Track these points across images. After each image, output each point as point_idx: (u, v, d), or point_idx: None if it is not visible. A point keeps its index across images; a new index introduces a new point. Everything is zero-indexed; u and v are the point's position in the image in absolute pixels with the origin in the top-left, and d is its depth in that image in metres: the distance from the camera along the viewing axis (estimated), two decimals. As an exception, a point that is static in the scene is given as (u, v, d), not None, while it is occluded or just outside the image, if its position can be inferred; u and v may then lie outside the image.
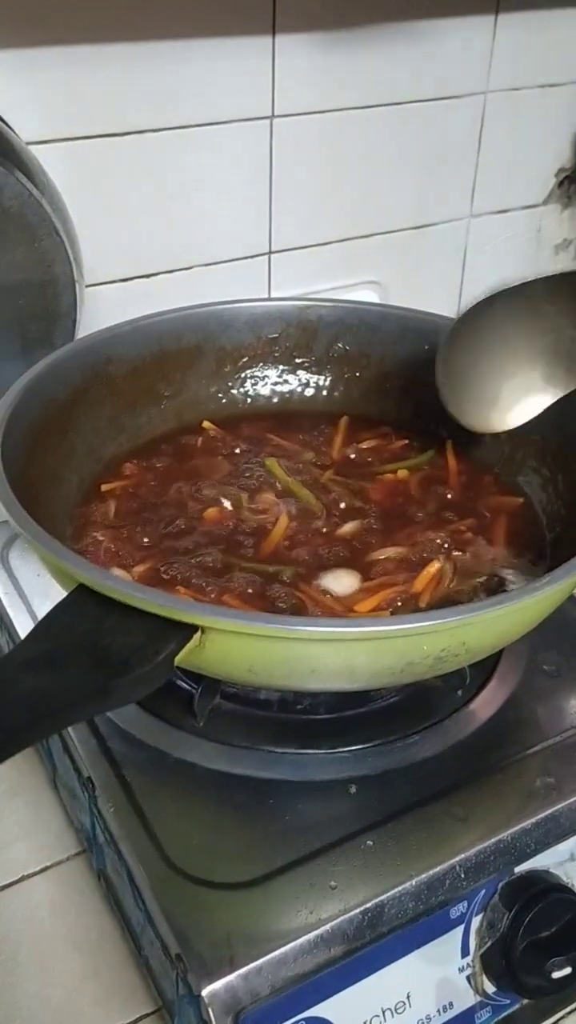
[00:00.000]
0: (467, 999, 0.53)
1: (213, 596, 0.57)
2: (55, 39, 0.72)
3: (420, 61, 0.89)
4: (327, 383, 0.77)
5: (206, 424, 0.73)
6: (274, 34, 0.80)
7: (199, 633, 0.46)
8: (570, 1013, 0.56)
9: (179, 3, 0.75)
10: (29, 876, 0.62)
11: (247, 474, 0.69)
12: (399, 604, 0.57)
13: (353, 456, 0.72)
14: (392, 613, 0.57)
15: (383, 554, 0.62)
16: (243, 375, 0.76)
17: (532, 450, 0.68)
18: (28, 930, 0.59)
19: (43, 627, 0.46)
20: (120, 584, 0.46)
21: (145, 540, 0.62)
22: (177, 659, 0.46)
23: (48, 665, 0.43)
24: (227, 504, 0.66)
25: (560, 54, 0.96)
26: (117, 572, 0.59)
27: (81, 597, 0.47)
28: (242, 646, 0.47)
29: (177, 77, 0.78)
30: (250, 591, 0.58)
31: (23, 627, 0.69)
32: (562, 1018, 0.56)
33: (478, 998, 0.53)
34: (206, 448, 0.72)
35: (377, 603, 0.57)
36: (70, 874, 0.62)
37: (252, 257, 0.90)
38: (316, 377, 0.77)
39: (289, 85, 0.83)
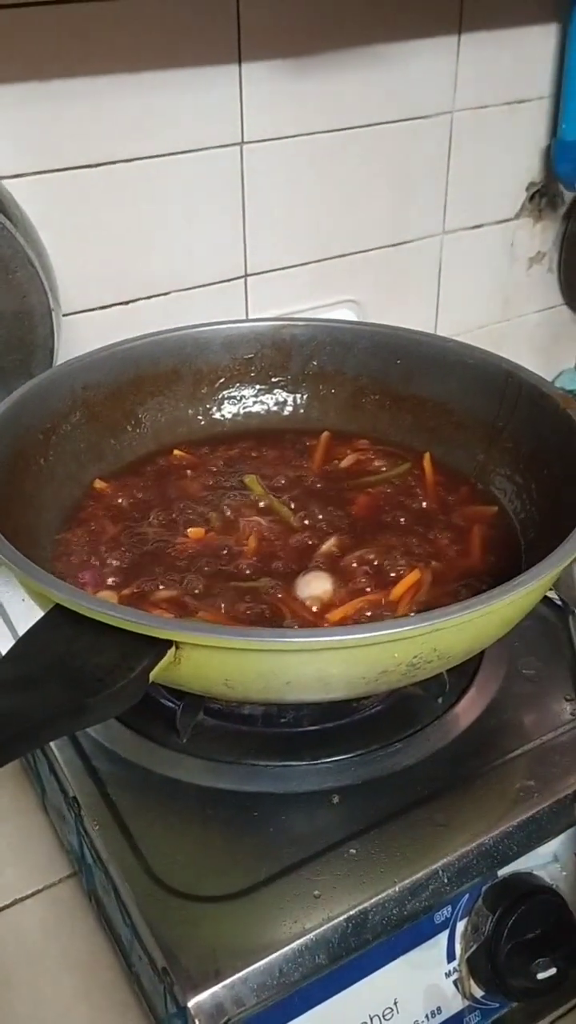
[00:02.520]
0: (455, 1004, 0.53)
1: (193, 611, 0.58)
2: (24, 75, 0.73)
3: (386, 83, 0.91)
4: (304, 401, 0.78)
5: (176, 452, 0.74)
6: (240, 62, 0.82)
7: (173, 649, 0.47)
8: (560, 1016, 0.57)
9: (144, 35, 0.76)
10: (21, 900, 0.62)
11: (227, 493, 0.69)
12: (377, 613, 0.58)
13: (331, 471, 0.73)
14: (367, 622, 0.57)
15: (362, 565, 0.62)
16: (221, 396, 0.77)
17: (506, 457, 0.69)
18: (20, 953, 0.59)
19: (18, 648, 0.47)
20: (92, 603, 0.47)
21: (126, 562, 0.63)
22: (153, 675, 0.47)
23: (22, 685, 0.44)
24: (207, 523, 0.66)
25: (525, 71, 0.98)
26: (104, 594, 0.60)
27: (56, 617, 0.48)
28: (216, 660, 0.47)
29: (146, 108, 0.79)
30: (231, 606, 0.58)
31: (6, 650, 0.69)
32: (552, 1022, 0.57)
33: (466, 1002, 0.54)
34: (186, 469, 0.73)
35: (348, 611, 0.58)
36: (62, 897, 0.62)
37: (229, 281, 0.91)
38: (293, 395, 0.78)
39: (257, 112, 0.85)
